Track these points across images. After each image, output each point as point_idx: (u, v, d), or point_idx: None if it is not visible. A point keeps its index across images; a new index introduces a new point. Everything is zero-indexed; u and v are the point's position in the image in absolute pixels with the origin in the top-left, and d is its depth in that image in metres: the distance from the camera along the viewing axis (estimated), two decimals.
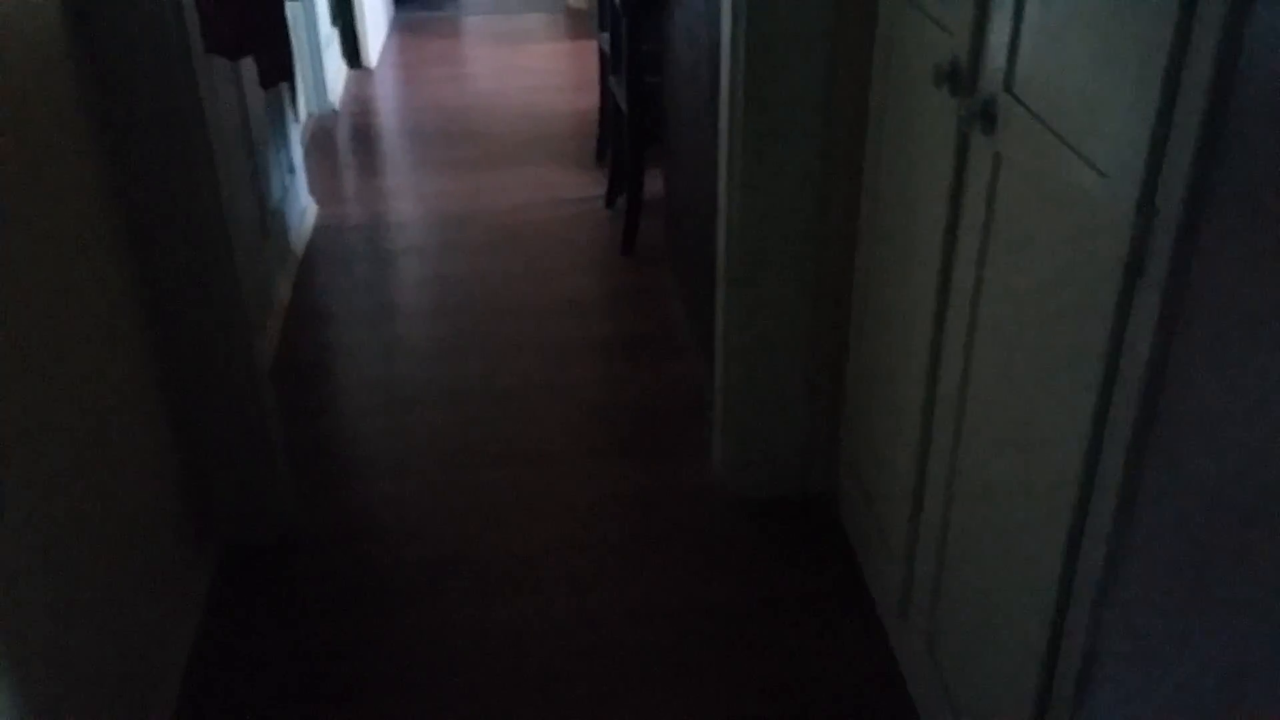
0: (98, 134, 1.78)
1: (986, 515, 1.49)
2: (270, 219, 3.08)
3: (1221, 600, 1.18)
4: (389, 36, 5.74)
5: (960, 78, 1.46)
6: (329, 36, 4.76)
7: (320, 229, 3.66)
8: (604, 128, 4.09)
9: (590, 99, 4.62)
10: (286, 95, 3.46)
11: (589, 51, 5.37)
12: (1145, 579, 1.16)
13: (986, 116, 1.38)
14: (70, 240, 1.63)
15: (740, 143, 1.98)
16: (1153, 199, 1.02)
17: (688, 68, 2.80)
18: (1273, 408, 1.07)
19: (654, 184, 3.68)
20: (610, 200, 3.80)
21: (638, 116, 3.36)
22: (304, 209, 3.63)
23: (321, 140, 4.42)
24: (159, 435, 1.98)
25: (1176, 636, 1.21)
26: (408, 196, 3.93)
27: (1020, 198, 1.32)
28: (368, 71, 5.21)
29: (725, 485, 2.36)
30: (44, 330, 1.49)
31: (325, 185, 3.99)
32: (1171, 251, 0.99)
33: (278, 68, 2.69)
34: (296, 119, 3.69)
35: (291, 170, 3.48)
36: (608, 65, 3.83)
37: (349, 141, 4.49)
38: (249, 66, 2.93)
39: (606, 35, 3.74)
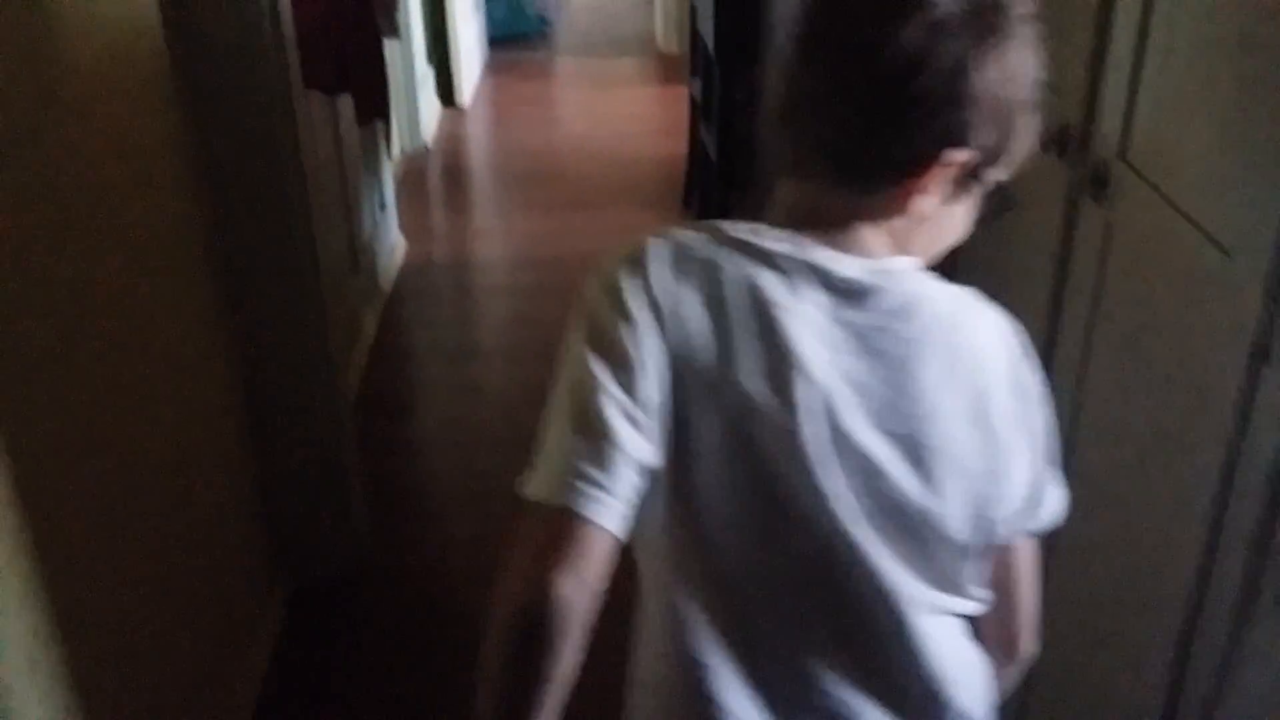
0: (197, 164, 1.81)
1: (1084, 615, 1.41)
2: (360, 254, 3.12)
3: None
4: (482, 76, 5.83)
5: (1070, 142, 1.40)
6: (424, 75, 4.85)
7: (408, 265, 3.70)
8: (692, 173, 4.09)
9: (678, 144, 4.62)
10: (381, 132, 3.52)
11: (679, 97, 5.39)
12: (1262, 693, 1.08)
13: (1098, 183, 1.32)
14: (166, 267, 1.65)
15: None
16: None
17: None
18: None
19: None
20: None
21: (727, 164, 3.34)
22: (393, 245, 3.67)
23: (413, 177, 4.49)
24: (240, 466, 1.99)
25: None
26: (495, 236, 3.96)
27: (1133, 270, 1.26)
28: (460, 110, 5.29)
29: None
30: (137, 353, 1.51)
31: (415, 222, 4.04)
32: None
33: (374, 105, 2.73)
34: (390, 156, 3.74)
35: (383, 206, 3.53)
36: (698, 112, 3.83)
37: (440, 179, 4.56)
38: (345, 102, 2.98)
39: (698, 82, 3.74)
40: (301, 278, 1.99)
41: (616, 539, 0.76)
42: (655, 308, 0.78)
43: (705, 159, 3.65)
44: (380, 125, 3.41)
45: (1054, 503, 0.90)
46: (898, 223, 0.82)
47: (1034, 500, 0.88)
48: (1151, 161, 1.22)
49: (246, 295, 1.96)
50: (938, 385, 0.80)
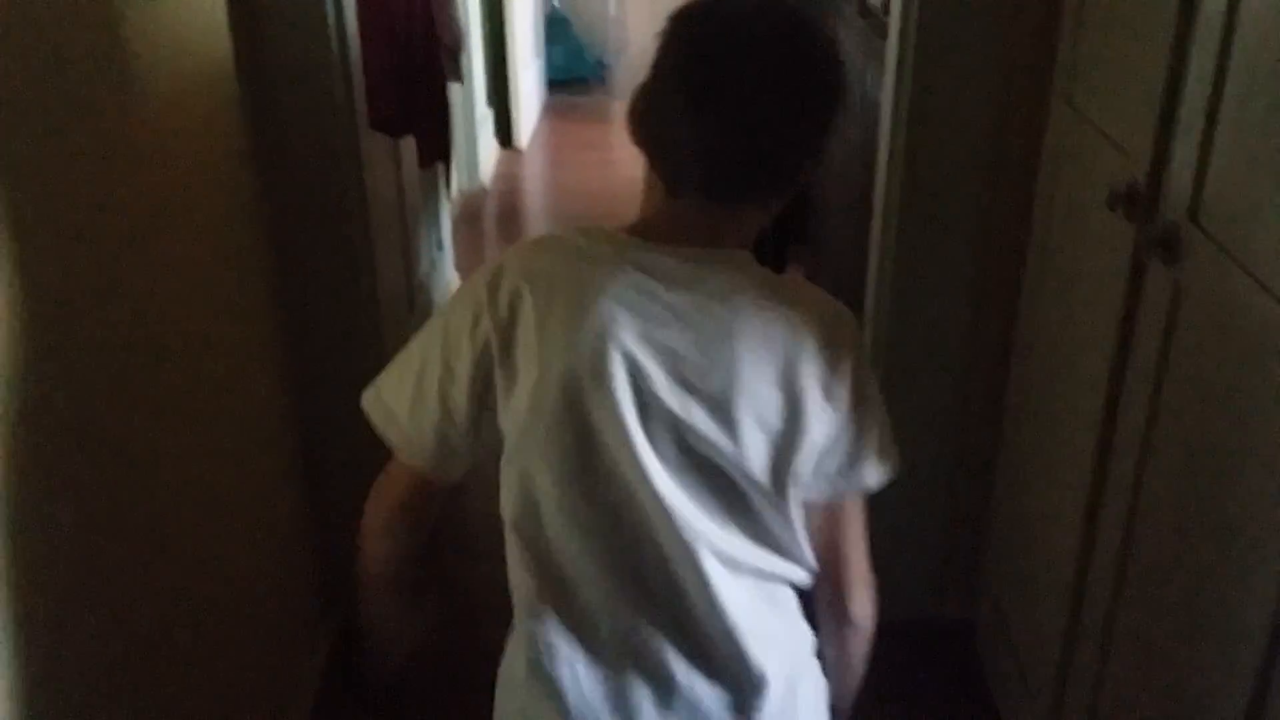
0: (263, 203, 1.84)
1: (1150, 676, 1.37)
2: (416, 293, 3.15)
3: None
4: (540, 118, 5.90)
5: (1138, 202, 1.38)
6: (484, 116, 4.92)
7: None
8: None
9: None
10: (441, 173, 3.57)
11: None
12: None
13: (1167, 245, 1.30)
14: (229, 302, 1.68)
15: (893, 251, 1.93)
16: None
17: (837, 167, 2.78)
18: None
19: None
20: None
21: (783, 215, 3.34)
22: (448, 284, 3.70)
23: (469, 216, 4.54)
24: (291, 500, 2.00)
25: None
26: None
27: (1203, 336, 1.23)
28: (518, 151, 5.36)
29: None
30: (198, 383, 1.53)
31: (470, 261, 4.07)
32: None
33: (437, 148, 2.77)
34: (449, 196, 3.79)
35: (440, 246, 3.57)
36: None
37: (496, 219, 4.60)
38: (408, 143, 3.02)
39: None
40: (361, 317, 2.01)
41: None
42: (497, 305, 0.94)
43: None
44: (440, 166, 3.45)
45: (875, 471, 1.01)
46: (740, 224, 0.98)
47: (848, 464, 0.99)
48: (1224, 224, 1.19)
49: (306, 332, 1.98)
50: (748, 354, 0.93)
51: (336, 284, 1.96)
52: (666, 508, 0.93)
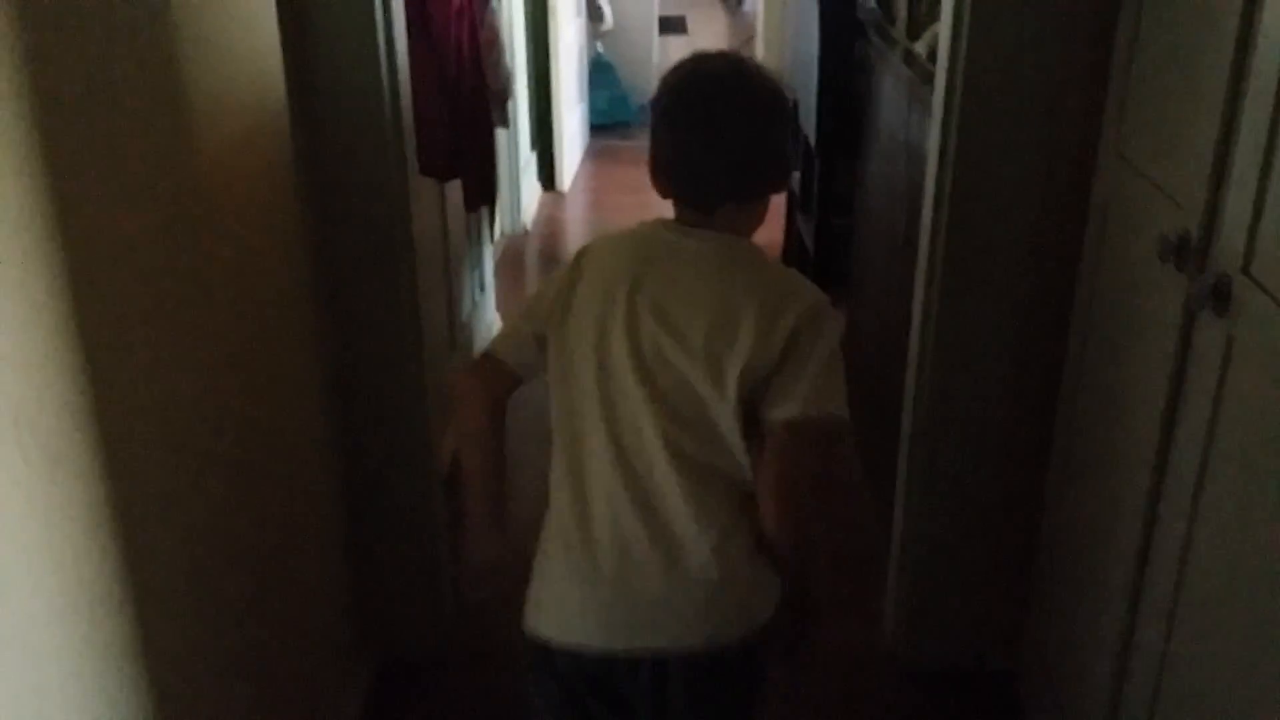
0: (312, 246, 1.87)
1: None
2: (458, 333, 3.18)
3: None
4: (582, 161, 5.96)
5: (1189, 253, 1.37)
6: (528, 160, 4.98)
7: None
8: (787, 263, 4.10)
9: (772, 233, 4.64)
10: (486, 216, 3.61)
11: None
12: None
13: (1219, 297, 1.29)
14: (276, 340, 1.70)
15: (937, 298, 1.92)
16: None
17: (881, 211, 2.78)
18: None
19: None
20: None
21: (824, 257, 3.34)
22: (490, 324, 3.74)
23: (511, 258, 4.58)
24: (333, 538, 2.02)
25: None
26: None
27: (1256, 390, 1.22)
28: (560, 194, 5.41)
29: (897, 652, 2.23)
30: (243, 418, 1.55)
31: (511, 302, 4.11)
32: None
33: (483, 193, 2.81)
34: (493, 239, 3.83)
35: (482, 288, 3.60)
36: (795, 203, 3.85)
37: (537, 261, 4.64)
38: (454, 186, 3.07)
39: (796, 174, 3.77)
40: (405, 359, 2.03)
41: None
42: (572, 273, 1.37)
43: (801, 249, 3.66)
44: (485, 210, 3.50)
45: (792, 408, 1.27)
46: (727, 218, 1.33)
47: (775, 398, 1.27)
48: (1278, 276, 1.18)
49: (349, 372, 2.01)
50: (699, 293, 1.29)
51: (381, 325, 1.99)
52: (646, 400, 1.29)
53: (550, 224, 5.04)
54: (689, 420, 1.29)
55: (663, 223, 1.36)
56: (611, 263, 1.35)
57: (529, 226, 4.94)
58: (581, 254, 1.39)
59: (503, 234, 4.69)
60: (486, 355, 1.42)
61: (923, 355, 2.00)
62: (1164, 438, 1.45)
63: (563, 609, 1.38)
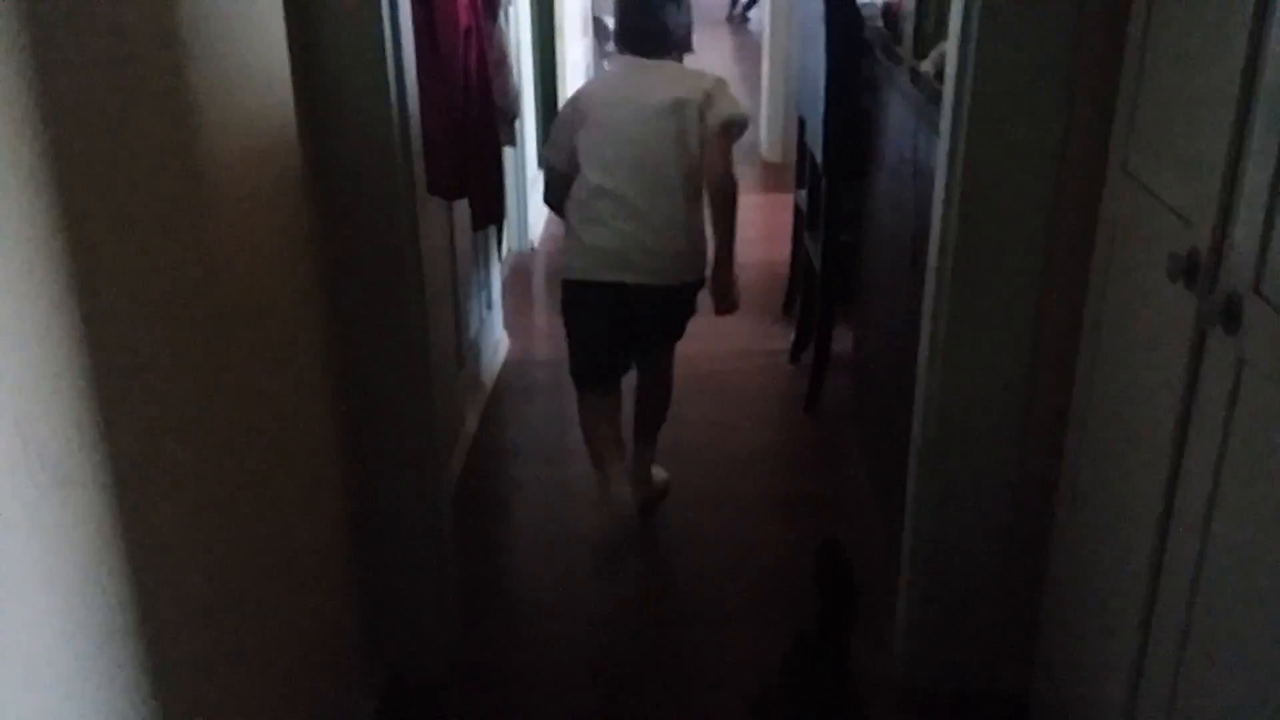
0: (321, 265, 1.87)
1: None
2: (465, 352, 3.18)
3: None
4: None
5: (1199, 272, 1.37)
6: (534, 178, 4.99)
7: (510, 363, 3.76)
8: (794, 281, 4.10)
9: (779, 250, 4.64)
10: (493, 235, 3.61)
11: (781, 204, 5.43)
12: None
13: (1229, 316, 1.28)
14: (283, 359, 1.70)
15: (945, 317, 1.92)
16: None
17: (888, 230, 2.78)
18: None
19: (838, 341, 3.63)
20: (795, 355, 3.77)
21: (831, 275, 3.34)
22: (497, 342, 3.74)
23: (518, 275, 4.59)
24: (339, 560, 2.01)
25: None
26: None
27: (1268, 410, 1.21)
28: None
29: (905, 675, 2.21)
30: (249, 435, 1.54)
31: (518, 319, 4.11)
32: None
33: (491, 213, 2.81)
34: (500, 258, 3.84)
35: (489, 306, 3.61)
36: (803, 221, 3.85)
37: (544, 279, 4.64)
38: (461, 205, 3.08)
39: (804, 193, 3.77)
40: (411, 377, 2.03)
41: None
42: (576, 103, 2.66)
43: (808, 268, 3.66)
44: (493, 229, 3.50)
45: (722, 116, 2.52)
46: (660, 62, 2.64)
47: (710, 116, 2.52)
48: None
49: (356, 390, 2.01)
50: (659, 82, 2.56)
51: (388, 344, 1.99)
52: (639, 141, 2.51)
53: (557, 241, 5.03)
54: (662, 154, 2.50)
55: (627, 60, 2.64)
56: (602, 82, 2.75)
57: (536, 244, 4.94)
58: (577, 95, 2.67)
59: (510, 251, 4.69)
60: (550, 168, 2.71)
61: (931, 375, 1.99)
62: (1175, 457, 1.45)
63: (593, 259, 2.54)
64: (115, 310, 1.13)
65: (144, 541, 1.18)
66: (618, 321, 2.59)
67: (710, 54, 8.10)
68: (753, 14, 8.66)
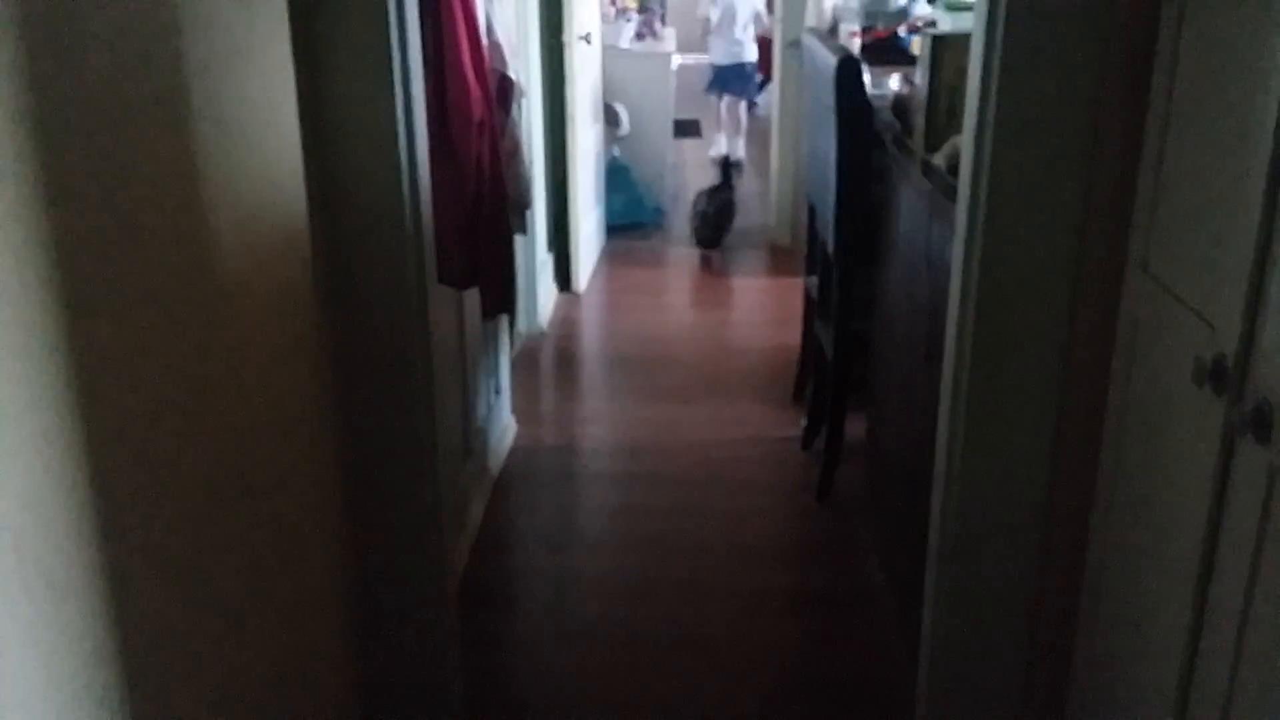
0: (331, 353, 1.86)
1: None
2: (473, 439, 3.15)
3: None
4: (599, 262, 5.99)
5: (1226, 377, 1.34)
6: (544, 261, 5.00)
7: (517, 448, 3.72)
8: (804, 367, 4.07)
9: (789, 335, 4.63)
10: (504, 323, 3.61)
11: (791, 289, 5.43)
12: None
13: (1260, 424, 1.25)
14: (291, 447, 1.68)
15: (964, 414, 1.89)
16: None
17: (901, 319, 2.76)
18: None
19: (850, 428, 3.60)
20: (807, 442, 3.73)
21: (843, 364, 3.32)
22: (505, 428, 3.71)
23: (527, 360, 4.57)
24: (342, 653, 1.96)
25: None
26: (604, 422, 3.97)
27: None
28: (576, 295, 5.42)
29: None
30: (256, 522, 1.51)
31: (526, 404, 4.08)
32: None
33: (501, 301, 2.80)
34: (510, 345, 3.82)
35: (498, 391, 3.58)
36: (813, 308, 3.84)
37: (553, 363, 4.63)
38: (471, 292, 3.07)
39: (814, 280, 3.77)
40: (417, 464, 2.00)
41: None
42: None
43: (819, 355, 3.64)
44: (504, 316, 3.49)
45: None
46: None
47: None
48: None
49: (362, 475, 1.98)
50: None
51: (396, 430, 1.97)
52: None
53: (567, 325, 5.04)
54: None
55: None
56: None
57: (545, 328, 4.93)
58: None
59: (519, 335, 4.68)
60: None
61: (950, 474, 1.95)
62: (1204, 567, 1.40)
63: None
64: (115, 405, 1.11)
65: (138, 649, 1.14)
66: None
67: (718, 139, 8.19)
68: (760, 99, 8.78)
